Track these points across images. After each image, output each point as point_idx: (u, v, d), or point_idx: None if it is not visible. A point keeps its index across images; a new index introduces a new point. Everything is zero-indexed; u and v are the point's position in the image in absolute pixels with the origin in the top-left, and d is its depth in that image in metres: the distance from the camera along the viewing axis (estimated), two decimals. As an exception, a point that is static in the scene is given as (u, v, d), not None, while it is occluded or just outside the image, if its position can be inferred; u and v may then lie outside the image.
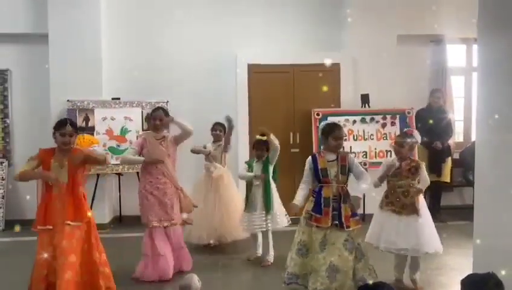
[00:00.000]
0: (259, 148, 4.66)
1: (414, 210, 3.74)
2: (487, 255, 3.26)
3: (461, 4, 6.12)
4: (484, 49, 3.45)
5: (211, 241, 5.04)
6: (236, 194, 5.18)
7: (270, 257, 4.58)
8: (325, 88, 6.11)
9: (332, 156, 3.61)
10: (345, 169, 3.57)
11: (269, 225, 4.54)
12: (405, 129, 4.17)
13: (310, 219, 3.54)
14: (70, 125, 3.42)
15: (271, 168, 4.61)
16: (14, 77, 6.39)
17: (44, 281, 3.32)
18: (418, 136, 4.02)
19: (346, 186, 3.59)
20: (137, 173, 6.11)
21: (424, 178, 3.89)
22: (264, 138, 4.61)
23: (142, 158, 4.10)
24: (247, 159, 5.53)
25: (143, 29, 6.46)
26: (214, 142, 5.30)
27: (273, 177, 4.63)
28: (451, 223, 5.94)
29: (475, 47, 6.30)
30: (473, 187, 3.66)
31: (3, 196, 6.19)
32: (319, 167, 3.58)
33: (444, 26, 6.51)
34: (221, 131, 5.24)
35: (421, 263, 3.95)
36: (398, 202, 3.77)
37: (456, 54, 7.02)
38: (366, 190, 3.61)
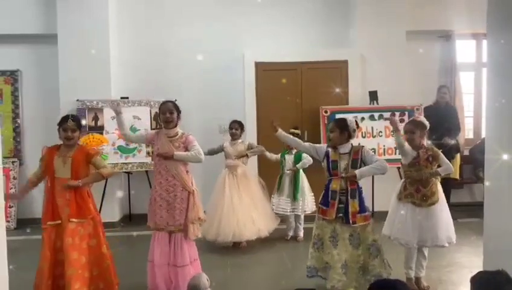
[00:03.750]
0: None
1: (435, 201, 3.68)
2: (498, 252, 3.24)
3: (470, -1, 6.06)
4: (494, 44, 3.41)
5: (243, 241, 5.06)
6: (259, 190, 5.31)
7: (301, 234, 5.37)
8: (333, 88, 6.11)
9: (346, 149, 3.60)
10: (357, 163, 3.55)
11: (296, 210, 5.26)
12: (412, 117, 4.11)
13: (318, 211, 3.60)
14: (72, 121, 3.49)
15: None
16: (25, 77, 6.45)
17: (51, 277, 3.37)
18: (426, 122, 3.93)
19: (357, 180, 3.57)
20: (146, 171, 6.17)
21: (445, 164, 3.76)
22: (297, 131, 5.29)
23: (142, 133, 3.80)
24: (255, 157, 5.78)
25: (151, 28, 6.49)
26: (231, 140, 5.32)
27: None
28: (461, 221, 5.88)
29: (485, 42, 6.24)
30: (483, 184, 3.63)
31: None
32: (330, 159, 3.58)
33: (453, 22, 6.46)
34: (238, 129, 5.33)
35: (432, 260, 3.94)
36: (418, 193, 3.70)
37: (465, 50, 6.96)
38: (366, 172, 3.55)
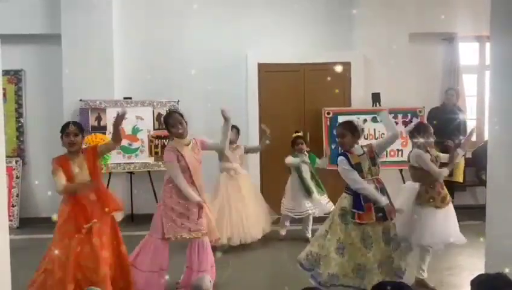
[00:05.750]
0: (298, 143, 5.25)
1: (450, 199, 3.84)
2: (499, 255, 3.23)
3: (474, 1, 6.05)
4: (497, 47, 3.41)
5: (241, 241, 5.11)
6: (256, 192, 5.41)
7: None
8: (336, 90, 6.07)
9: (360, 151, 3.56)
10: (375, 160, 3.55)
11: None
12: (415, 124, 4.12)
13: (352, 217, 3.43)
14: (73, 125, 3.49)
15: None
16: (28, 77, 6.48)
17: (73, 281, 3.29)
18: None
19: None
20: (149, 171, 6.18)
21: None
22: (299, 133, 5.32)
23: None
24: (257, 157, 5.80)
25: (154, 29, 6.50)
26: (230, 143, 5.33)
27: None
28: (463, 223, 5.82)
29: (488, 45, 6.23)
30: (486, 187, 3.62)
31: (17, 194, 6.29)
32: (353, 163, 3.51)
33: (456, 24, 6.45)
34: (236, 134, 5.33)
35: (433, 263, 3.95)
36: (439, 195, 3.79)
37: (468, 52, 6.95)
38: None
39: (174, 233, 3.66)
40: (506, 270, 2.11)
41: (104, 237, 3.41)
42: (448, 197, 3.88)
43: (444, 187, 3.88)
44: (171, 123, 3.71)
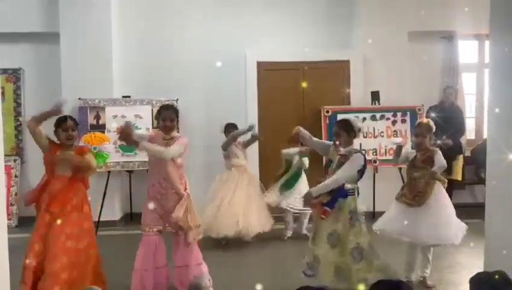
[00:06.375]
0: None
1: (424, 200, 3.72)
2: (498, 253, 3.23)
3: (473, -1, 6.05)
4: (497, 45, 3.42)
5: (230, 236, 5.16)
6: (258, 188, 5.41)
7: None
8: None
9: (342, 152, 3.53)
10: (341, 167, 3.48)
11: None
12: (418, 121, 4.13)
13: None
14: (70, 120, 3.50)
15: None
16: (27, 75, 6.46)
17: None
18: (433, 124, 3.96)
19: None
20: (147, 170, 6.16)
21: (440, 163, 3.77)
22: None
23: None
24: (256, 156, 5.77)
25: (153, 28, 6.49)
26: (234, 141, 5.35)
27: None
28: (462, 222, 5.87)
29: (487, 43, 6.23)
30: (485, 185, 3.63)
31: (16, 193, 6.28)
32: (329, 157, 3.61)
33: (455, 22, 6.45)
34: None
35: (433, 261, 3.94)
36: (411, 193, 3.77)
37: (467, 50, 6.94)
38: (322, 188, 3.42)
39: (150, 225, 3.67)
40: (505, 269, 2.11)
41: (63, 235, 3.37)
42: (425, 198, 3.71)
43: (423, 187, 3.74)
44: (162, 116, 3.66)
